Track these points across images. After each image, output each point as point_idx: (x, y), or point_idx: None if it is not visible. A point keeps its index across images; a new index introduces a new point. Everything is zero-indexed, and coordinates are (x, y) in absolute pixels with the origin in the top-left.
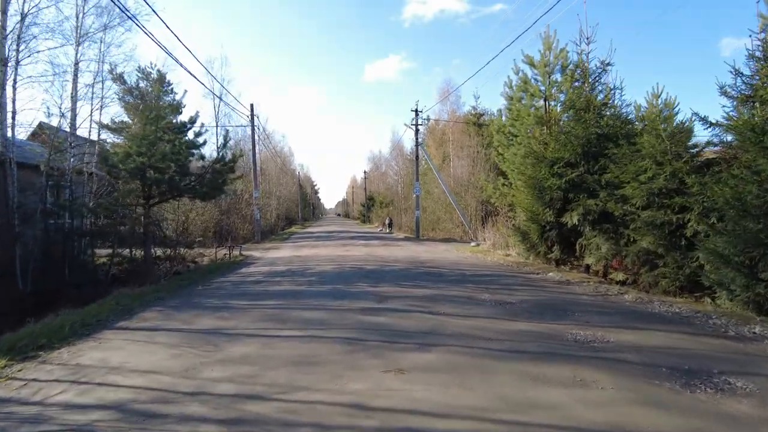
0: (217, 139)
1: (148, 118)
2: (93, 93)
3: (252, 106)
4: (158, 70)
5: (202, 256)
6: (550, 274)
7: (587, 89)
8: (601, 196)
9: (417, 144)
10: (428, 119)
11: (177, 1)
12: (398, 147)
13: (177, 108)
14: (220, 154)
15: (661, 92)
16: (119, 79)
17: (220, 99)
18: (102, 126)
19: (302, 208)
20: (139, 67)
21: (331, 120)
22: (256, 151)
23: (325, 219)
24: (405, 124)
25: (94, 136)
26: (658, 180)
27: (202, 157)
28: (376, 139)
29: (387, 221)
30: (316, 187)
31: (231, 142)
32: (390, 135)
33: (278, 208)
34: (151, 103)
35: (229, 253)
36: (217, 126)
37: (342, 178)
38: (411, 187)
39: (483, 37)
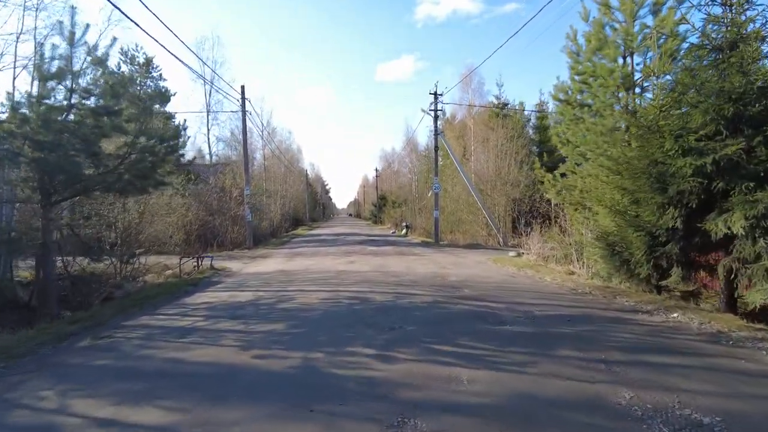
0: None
1: (44, 74)
2: (16, 54)
3: (243, 87)
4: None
5: (165, 270)
6: (674, 315)
7: (731, 15)
8: None
9: (436, 132)
10: (444, 112)
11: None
12: (412, 142)
13: (102, 61)
14: (140, 109)
15: None
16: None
17: (211, 84)
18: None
19: (310, 208)
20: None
21: (344, 120)
22: (248, 140)
23: (336, 219)
24: (422, 110)
25: None
26: None
27: (123, 130)
28: (388, 138)
29: (404, 224)
30: (327, 187)
31: (226, 133)
32: (403, 129)
33: (283, 207)
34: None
35: (198, 265)
36: (208, 112)
37: (355, 178)
38: (426, 185)
39: (497, 34)
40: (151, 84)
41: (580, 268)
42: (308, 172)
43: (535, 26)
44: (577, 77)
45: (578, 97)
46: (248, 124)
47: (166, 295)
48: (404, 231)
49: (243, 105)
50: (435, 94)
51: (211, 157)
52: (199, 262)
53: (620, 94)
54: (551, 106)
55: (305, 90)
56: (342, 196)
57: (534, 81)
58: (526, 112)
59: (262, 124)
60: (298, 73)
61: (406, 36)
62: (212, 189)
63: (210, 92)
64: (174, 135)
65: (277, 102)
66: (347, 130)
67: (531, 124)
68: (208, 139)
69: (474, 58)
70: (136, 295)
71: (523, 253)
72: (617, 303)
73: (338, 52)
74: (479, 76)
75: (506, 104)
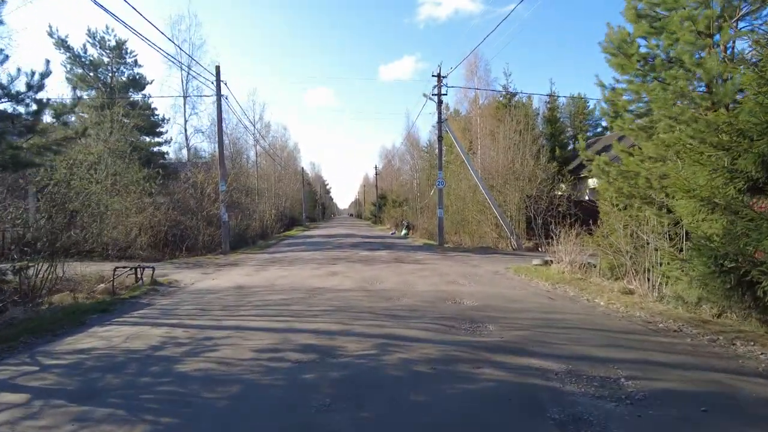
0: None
1: None
2: None
3: (218, 68)
4: None
5: (99, 282)
6: None
7: None
8: None
9: (440, 119)
10: (448, 106)
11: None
12: (413, 137)
13: None
14: None
15: None
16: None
17: (188, 69)
18: None
19: (308, 207)
20: None
21: (346, 120)
22: (236, 136)
23: (336, 220)
24: (424, 94)
25: None
26: None
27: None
28: (390, 138)
29: (404, 224)
30: (327, 187)
31: (206, 123)
32: (404, 124)
33: (277, 207)
34: None
35: (137, 277)
36: (185, 97)
37: (356, 178)
38: (428, 182)
39: (498, 34)
40: (124, 70)
41: (639, 286)
42: (308, 171)
43: (536, 20)
44: (636, 26)
45: (642, 51)
46: (238, 119)
47: (41, 330)
48: (405, 232)
49: (218, 88)
50: (438, 76)
51: (188, 149)
52: (139, 274)
53: (699, 45)
54: (564, 96)
55: (307, 91)
56: (343, 197)
57: (535, 79)
58: (534, 106)
59: (254, 120)
60: (299, 74)
61: (408, 37)
62: (184, 185)
63: (187, 78)
64: (36, 84)
65: (277, 101)
66: (349, 131)
67: (539, 118)
68: (185, 130)
69: (475, 56)
70: (15, 327)
71: (550, 261)
72: (745, 356)
73: (340, 52)
74: (485, 62)
75: (515, 94)
